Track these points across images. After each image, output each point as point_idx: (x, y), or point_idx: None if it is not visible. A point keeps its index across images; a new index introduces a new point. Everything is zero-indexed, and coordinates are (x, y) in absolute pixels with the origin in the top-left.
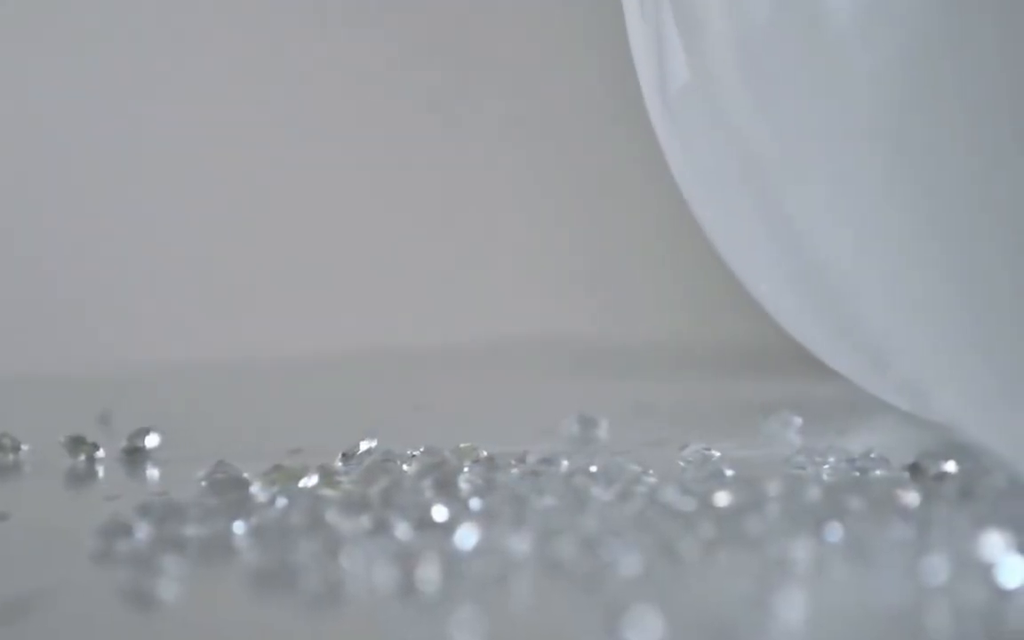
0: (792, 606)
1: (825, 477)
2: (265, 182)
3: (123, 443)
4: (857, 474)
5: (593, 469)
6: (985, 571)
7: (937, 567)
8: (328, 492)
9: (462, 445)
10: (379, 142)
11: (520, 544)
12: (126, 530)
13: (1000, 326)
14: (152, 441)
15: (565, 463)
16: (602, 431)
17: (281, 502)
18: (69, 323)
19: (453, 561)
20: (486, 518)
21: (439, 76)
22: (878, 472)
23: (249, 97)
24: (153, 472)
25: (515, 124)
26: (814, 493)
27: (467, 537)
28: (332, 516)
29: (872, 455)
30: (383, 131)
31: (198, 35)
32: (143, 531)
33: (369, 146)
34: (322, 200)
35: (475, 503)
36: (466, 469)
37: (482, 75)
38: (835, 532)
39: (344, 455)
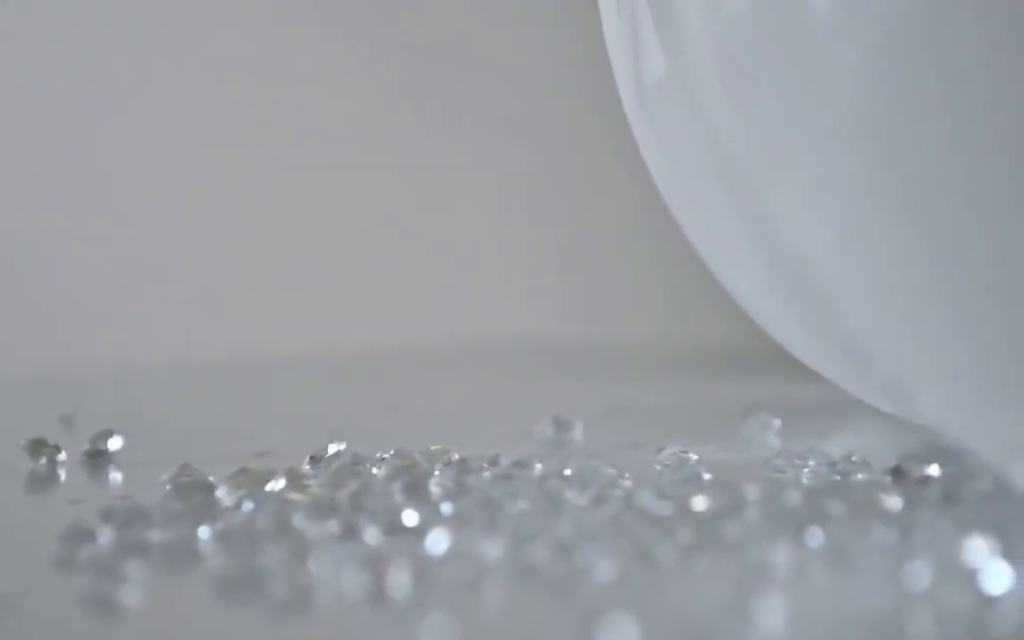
0: (772, 612)
1: (805, 481)
2: (231, 182)
3: (85, 446)
4: (838, 477)
5: (567, 472)
6: (969, 577)
7: (920, 572)
8: (296, 496)
9: (433, 448)
10: (346, 140)
11: (492, 549)
12: (89, 535)
13: (984, 326)
14: (115, 444)
15: (539, 466)
16: (577, 433)
17: (247, 506)
18: (30, 323)
19: (424, 566)
20: (457, 522)
21: (413, 73)
22: (859, 475)
23: (221, 94)
24: (116, 475)
25: (487, 120)
26: (794, 497)
27: (438, 542)
28: (300, 520)
29: (853, 458)
30: (351, 129)
31: (188, 33)
32: (106, 536)
33: (337, 144)
34: (288, 199)
35: (446, 507)
36: (437, 472)
37: (455, 71)
38: (815, 537)
39: (312, 458)
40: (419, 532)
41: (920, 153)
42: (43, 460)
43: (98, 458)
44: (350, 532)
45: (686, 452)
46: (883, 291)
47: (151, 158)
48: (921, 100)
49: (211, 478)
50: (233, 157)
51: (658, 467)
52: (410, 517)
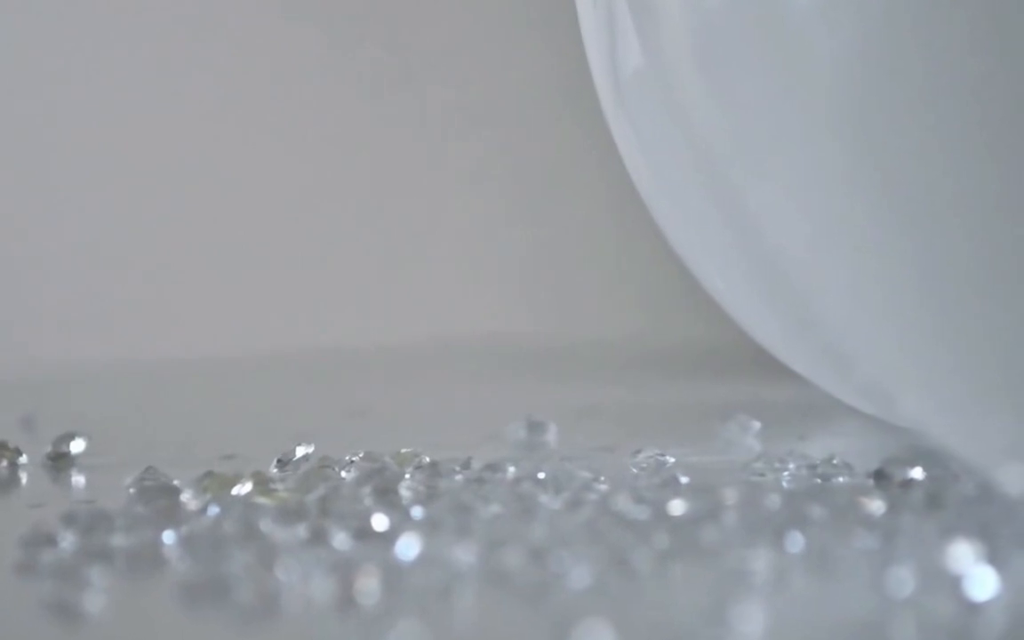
0: (751, 620)
1: (785, 484)
2: (196, 180)
3: (47, 448)
4: (819, 481)
5: (541, 476)
6: (953, 583)
7: (903, 578)
8: (262, 500)
9: (403, 450)
10: (311, 131)
11: (464, 555)
12: (50, 540)
13: (968, 325)
14: (78, 446)
15: (512, 469)
16: (551, 436)
17: (213, 510)
18: None
19: (394, 572)
20: (429, 527)
21: (377, 61)
22: (841, 479)
23: (191, 90)
24: (79, 479)
25: (458, 117)
26: (774, 501)
27: (409, 547)
28: (267, 525)
29: (834, 461)
30: (315, 119)
31: (164, 32)
32: (68, 541)
33: (300, 135)
34: (251, 193)
35: (417, 511)
36: (408, 476)
37: (422, 60)
38: (796, 542)
39: (279, 461)
40: (389, 537)
41: (903, 147)
42: (3, 463)
43: (60, 461)
44: (318, 537)
45: (663, 455)
46: (864, 289)
47: (111, 155)
48: (904, 95)
49: (176, 482)
50: (198, 154)
51: (634, 470)
52: (380, 522)
